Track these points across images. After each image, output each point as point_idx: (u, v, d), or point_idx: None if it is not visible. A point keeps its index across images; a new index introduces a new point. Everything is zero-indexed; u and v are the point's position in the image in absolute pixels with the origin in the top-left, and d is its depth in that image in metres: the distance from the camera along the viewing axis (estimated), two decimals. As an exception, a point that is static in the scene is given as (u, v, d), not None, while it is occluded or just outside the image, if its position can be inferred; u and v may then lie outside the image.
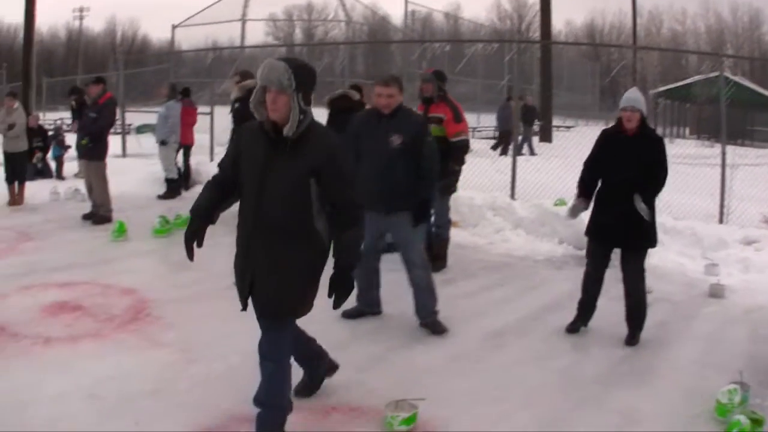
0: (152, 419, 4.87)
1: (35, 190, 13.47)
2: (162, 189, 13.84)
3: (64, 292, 7.48)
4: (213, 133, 16.68)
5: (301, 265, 4.26)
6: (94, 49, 77.30)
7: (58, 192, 13.41)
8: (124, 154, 17.97)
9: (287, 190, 4.16)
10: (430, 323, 6.39)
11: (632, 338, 6.25)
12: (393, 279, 7.14)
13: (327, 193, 4.22)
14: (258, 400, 4.44)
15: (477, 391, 5.39)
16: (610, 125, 6.51)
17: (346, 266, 4.26)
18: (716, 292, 8.03)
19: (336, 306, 4.32)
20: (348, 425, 4.90)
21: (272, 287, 4.25)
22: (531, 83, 33.72)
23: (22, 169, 13.04)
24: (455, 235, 9.10)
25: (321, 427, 4.86)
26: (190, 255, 4.44)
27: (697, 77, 38.37)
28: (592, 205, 6.36)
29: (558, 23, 50.64)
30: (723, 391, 5.04)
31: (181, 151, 14.37)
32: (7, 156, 12.83)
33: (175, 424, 4.80)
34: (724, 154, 11.26)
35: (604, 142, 6.34)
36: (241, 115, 10.07)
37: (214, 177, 4.56)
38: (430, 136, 6.35)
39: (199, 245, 4.45)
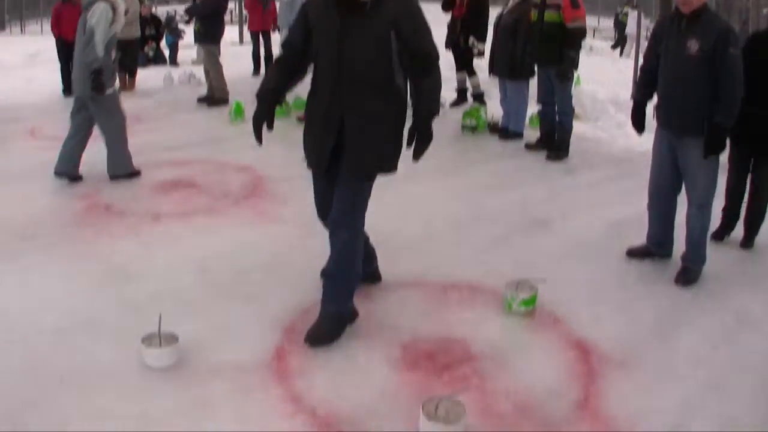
0: (264, 292, 4.80)
1: (147, 76, 13.38)
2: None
3: (176, 171, 7.42)
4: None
5: (390, 119, 4.24)
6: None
7: (171, 77, 13.24)
8: (241, 41, 17.72)
9: (368, 48, 4.10)
10: (684, 271, 5.41)
11: (748, 241, 6.01)
12: (514, 165, 7.18)
13: (406, 45, 4.12)
14: (327, 272, 4.40)
15: (598, 279, 5.25)
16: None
17: (425, 113, 4.14)
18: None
19: (416, 157, 4.15)
20: (467, 303, 4.79)
21: (364, 144, 4.18)
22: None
23: (133, 58, 12.93)
24: (576, 127, 8.83)
25: (439, 303, 4.77)
26: (259, 139, 4.43)
27: None
28: None
29: None
30: None
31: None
32: (118, 43, 12.49)
33: (288, 297, 4.73)
34: None
35: (755, 45, 5.77)
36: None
37: (280, 58, 4.49)
38: (736, 48, 4.99)
39: (270, 128, 4.43)
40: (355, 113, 4.13)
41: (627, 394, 3.86)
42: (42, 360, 3.95)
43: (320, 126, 4.26)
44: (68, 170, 7.04)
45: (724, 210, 6.06)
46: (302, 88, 4.54)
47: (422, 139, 4.10)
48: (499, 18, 9.06)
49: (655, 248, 5.57)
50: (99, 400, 3.62)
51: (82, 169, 7.11)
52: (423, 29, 4.16)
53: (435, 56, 4.18)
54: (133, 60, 12.86)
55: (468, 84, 10.95)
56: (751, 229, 5.97)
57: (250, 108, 9.63)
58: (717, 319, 4.71)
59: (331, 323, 4.28)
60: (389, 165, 4.28)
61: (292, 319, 4.46)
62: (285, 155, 7.68)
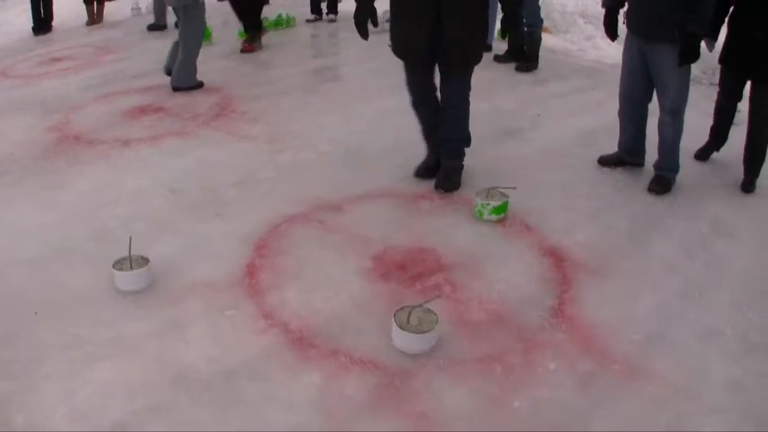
0: (234, 210, 4.81)
1: (115, 8, 13.01)
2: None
3: (145, 97, 7.30)
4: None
5: (483, 16, 4.76)
6: None
7: (139, 7, 12.88)
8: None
9: None
10: (657, 179, 5.33)
11: (749, 184, 5.43)
12: (483, 77, 6.86)
13: None
14: (447, 137, 5.04)
15: (570, 187, 5.23)
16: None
17: (513, 5, 4.99)
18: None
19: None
20: (437, 213, 4.81)
21: (464, 39, 4.68)
22: None
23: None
24: (546, 40, 8.74)
25: (410, 214, 4.78)
26: (365, 35, 4.65)
27: None
28: (725, 30, 5.44)
29: None
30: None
31: None
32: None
33: (259, 214, 4.73)
34: None
35: None
36: None
37: None
38: None
39: (375, 24, 4.76)
40: (457, 12, 4.54)
41: (603, 302, 3.87)
42: (16, 293, 3.92)
43: (414, 17, 4.62)
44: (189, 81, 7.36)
45: (712, 129, 5.80)
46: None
47: (513, 25, 4.88)
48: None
49: (627, 156, 5.50)
50: (74, 328, 3.60)
51: (51, 99, 7.04)
52: None
53: None
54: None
55: None
56: (751, 169, 5.41)
57: (218, 31, 9.62)
58: (692, 229, 4.69)
59: (456, 174, 5.11)
60: (480, 56, 4.87)
61: (262, 236, 4.45)
62: (253, 75, 7.71)
